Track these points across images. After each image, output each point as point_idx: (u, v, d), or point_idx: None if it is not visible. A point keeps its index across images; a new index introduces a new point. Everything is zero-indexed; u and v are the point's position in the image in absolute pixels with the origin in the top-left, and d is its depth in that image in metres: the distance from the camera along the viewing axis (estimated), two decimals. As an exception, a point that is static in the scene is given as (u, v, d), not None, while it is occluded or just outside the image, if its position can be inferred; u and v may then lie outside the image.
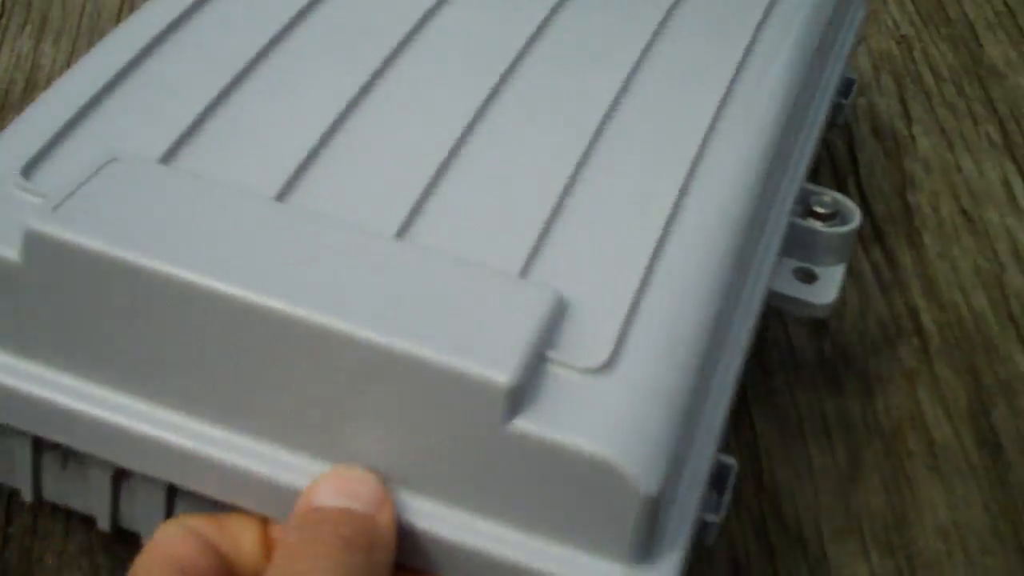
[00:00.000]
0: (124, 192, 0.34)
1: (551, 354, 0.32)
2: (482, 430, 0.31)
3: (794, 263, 0.43)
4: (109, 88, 0.38)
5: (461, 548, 0.32)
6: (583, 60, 0.42)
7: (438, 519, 0.32)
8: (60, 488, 0.37)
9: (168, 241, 0.33)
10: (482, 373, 0.30)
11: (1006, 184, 0.58)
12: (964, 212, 0.56)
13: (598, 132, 0.39)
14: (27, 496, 0.38)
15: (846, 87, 0.54)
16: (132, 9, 0.58)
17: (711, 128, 0.40)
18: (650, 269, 0.35)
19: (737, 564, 0.42)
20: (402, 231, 0.35)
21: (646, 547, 0.31)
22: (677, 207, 0.37)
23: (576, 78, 0.41)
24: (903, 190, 0.57)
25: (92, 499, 0.37)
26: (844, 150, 0.59)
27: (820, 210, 0.44)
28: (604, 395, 0.31)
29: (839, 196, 0.45)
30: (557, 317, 0.33)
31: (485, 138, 0.39)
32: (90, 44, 0.58)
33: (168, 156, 0.36)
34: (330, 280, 0.32)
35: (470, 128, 0.39)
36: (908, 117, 0.61)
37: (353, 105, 0.39)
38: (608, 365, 0.32)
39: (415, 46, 0.42)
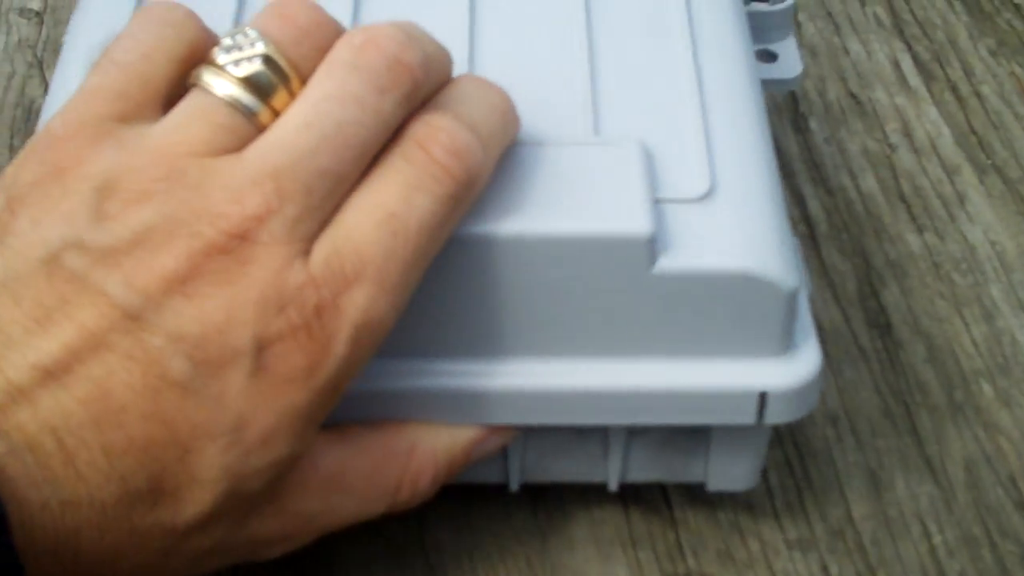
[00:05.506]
0: None
1: (659, 196, 0.34)
2: (632, 280, 0.34)
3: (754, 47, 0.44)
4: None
5: (633, 393, 0.35)
6: None
7: (607, 372, 0.35)
8: None
9: None
10: (622, 230, 0.33)
11: (895, 64, 0.56)
12: (852, 95, 0.54)
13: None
14: None
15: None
16: None
17: None
18: (701, 93, 0.37)
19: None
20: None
21: (790, 338, 0.35)
22: (693, 36, 0.39)
23: None
24: (789, 77, 0.55)
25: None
26: (728, 42, 0.57)
27: None
28: (718, 217, 0.34)
29: None
30: (650, 164, 0.35)
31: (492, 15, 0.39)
32: None
33: None
34: None
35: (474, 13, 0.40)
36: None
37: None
38: (711, 190, 0.35)
39: None
